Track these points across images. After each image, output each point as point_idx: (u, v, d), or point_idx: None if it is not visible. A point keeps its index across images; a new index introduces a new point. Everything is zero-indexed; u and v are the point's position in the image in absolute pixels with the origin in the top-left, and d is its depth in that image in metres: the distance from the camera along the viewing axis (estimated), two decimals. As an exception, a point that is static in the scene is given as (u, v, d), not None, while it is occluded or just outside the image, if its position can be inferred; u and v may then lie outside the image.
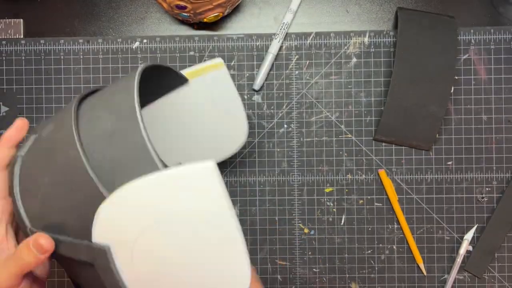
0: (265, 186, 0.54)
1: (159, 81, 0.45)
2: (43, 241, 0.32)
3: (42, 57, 0.54)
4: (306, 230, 0.53)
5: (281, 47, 0.54)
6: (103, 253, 0.31)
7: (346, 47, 0.54)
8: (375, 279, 0.53)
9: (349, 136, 0.54)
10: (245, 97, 0.54)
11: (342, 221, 0.53)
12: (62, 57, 0.54)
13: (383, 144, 0.53)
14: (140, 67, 0.35)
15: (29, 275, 0.36)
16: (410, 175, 0.53)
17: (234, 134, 0.48)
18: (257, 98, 0.54)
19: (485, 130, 0.53)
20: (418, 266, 0.53)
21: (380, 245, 0.53)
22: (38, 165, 0.35)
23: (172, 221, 0.30)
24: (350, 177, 0.53)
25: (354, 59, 0.54)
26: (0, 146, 0.37)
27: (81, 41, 0.54)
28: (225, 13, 0.52)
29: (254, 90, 0.54)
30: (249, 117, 0.54)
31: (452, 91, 0.53)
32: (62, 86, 0.54)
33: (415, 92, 0.51)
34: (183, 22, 0.55)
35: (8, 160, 0.37)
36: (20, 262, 0.33)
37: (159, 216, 0.30)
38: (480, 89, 0.53)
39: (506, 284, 0.53)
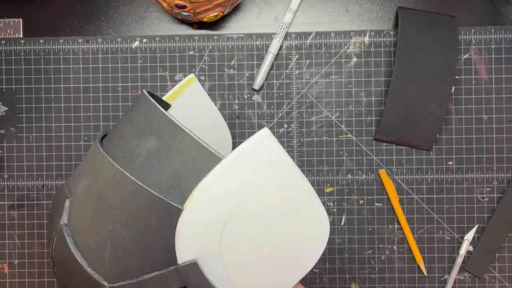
0: (265, 186, 0.53)
1: None
2: None
3: (42, 56, 0.54)
4: (306, 230, 0.53)
5: (281, 46, 0.54)
6: (194, 267, 0.30)
7: (346, 47, 0.54)
8: (376, 280, 0.53)
9: (350, 136, 0.53)
10: (245, 97, 0.54)
11: (343, 221, 0.53)
12: (61, 56, 0.54)
13: (384, 144, 0.53)
14: (145, 91, 0.36)
15: None
16: (411, 175, 0.53)
17: (220, 142, 0.49)
18: (257, 98, 0.54)
19: (486, 130, 0.53)
20: (419, 267, 0.53)
21: (381, 245, 0.53)
22: (93, 222, 0.32)
23: (250, 201, 0.30)
24: (350, 177, 0.53)
25: (355, 59, 0.54)
26: None
27: (80, 40, 0.54)
28: (225, 13, 0.51)
29: (254, 89, 0.54)
30: (249, 117, 0.54)
31: (452, 90, 0.53)
32: (62, 85, 0.54)
33: (415, 92, 0.51)
34: (183, 21, 0.55)
35: None
36: None
37: (237, 202, 0.30)
38: (481, 89, 0.53)
39: (507, 285, 0.52)
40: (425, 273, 0.53)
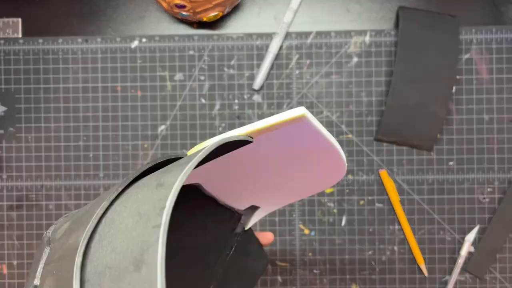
0: (265, 186, 0.53)
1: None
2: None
3: (41, 56, 0.54)
4: (306, 231, 0.53)
5: (281, 46, 0.53)
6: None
7: (347, 47, 0.54)
8: (376, 280, 0.53)
9: (350, 136, 0.53)
10: (245, 97, 0.54)
11: (343, 222, 0.53)
12: (60, 56, 0.54)
13: (384, 144, 0.53)
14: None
15: None
16: (411, 176, 0.53)
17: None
18: (257, 97, 0.54)
19: (487, 130, 0.53)
20: (419, 267, 0.53)
21: (381, 246, 0.53)
22: None
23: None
24: (351, 177, 0.53)
25: (355, 59, 0.54)
26: None
27: (79, 40, 0.54)
28: (225, 12, 0.51)
29: (254, 89, 0.53)
30: (249, 117, 0.54)
31: (453, 90, 0.53)
32: (61, 85, 0.54)
33: (416, 92, 0.51)
34: (183, 21, 0.55)
35: None
36: None
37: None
38: (482, 88, 0.53)
39: (508, 285, 0.52)
40: (426, 274, 0.52)
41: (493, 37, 0.53)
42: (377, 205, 0.53)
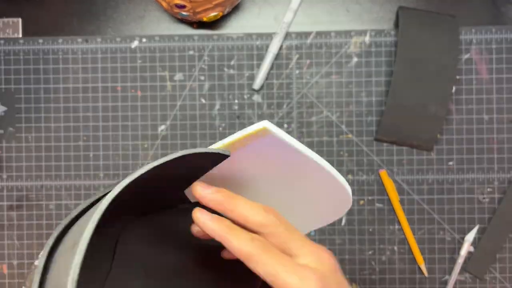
0: (265, 186, 0.53)
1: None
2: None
3: (41, 56, 0.54)
4: (306, 231, 0.53)
5: (281, 46, 0.54)
6: None
7: (346, 47, 0.54)
8: (376, 281, 0.53)
9: (350, 136, 0.53)
10: (245, 97, 0.54)
11: (343, 222, 0.53)
12: (60, 56, 0.54)
13: (384, 144, 0.53)
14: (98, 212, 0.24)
15: None
16: (411, 176, 0.53)
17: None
18: (257, 97, 0.54)
19: (487, 130, 0.53)
20: (419, 267, 0.53)
21: (381, 246, 0.53)
22: None
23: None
24: (350, 177, 0.53)
25: (355, 59, 0.54)
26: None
27: (79, 40, 0.54)
28: (225, 12, 0.51)
29: (254, 89, 0.53)
30: (249, 117, 0.54)
31: (453, 90, 0.53)
32: (61, 85, 0.54)
33: (416, 92, 0.51)
34: (183, 21, 0.55)
35: None
36: None
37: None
38: (482, 88, 0.53)
39: (508, 285, 0.52)
40: (426, 274, 0.52)
41: (493, 37, 0.53)
42: (377, 205, 0.53)
